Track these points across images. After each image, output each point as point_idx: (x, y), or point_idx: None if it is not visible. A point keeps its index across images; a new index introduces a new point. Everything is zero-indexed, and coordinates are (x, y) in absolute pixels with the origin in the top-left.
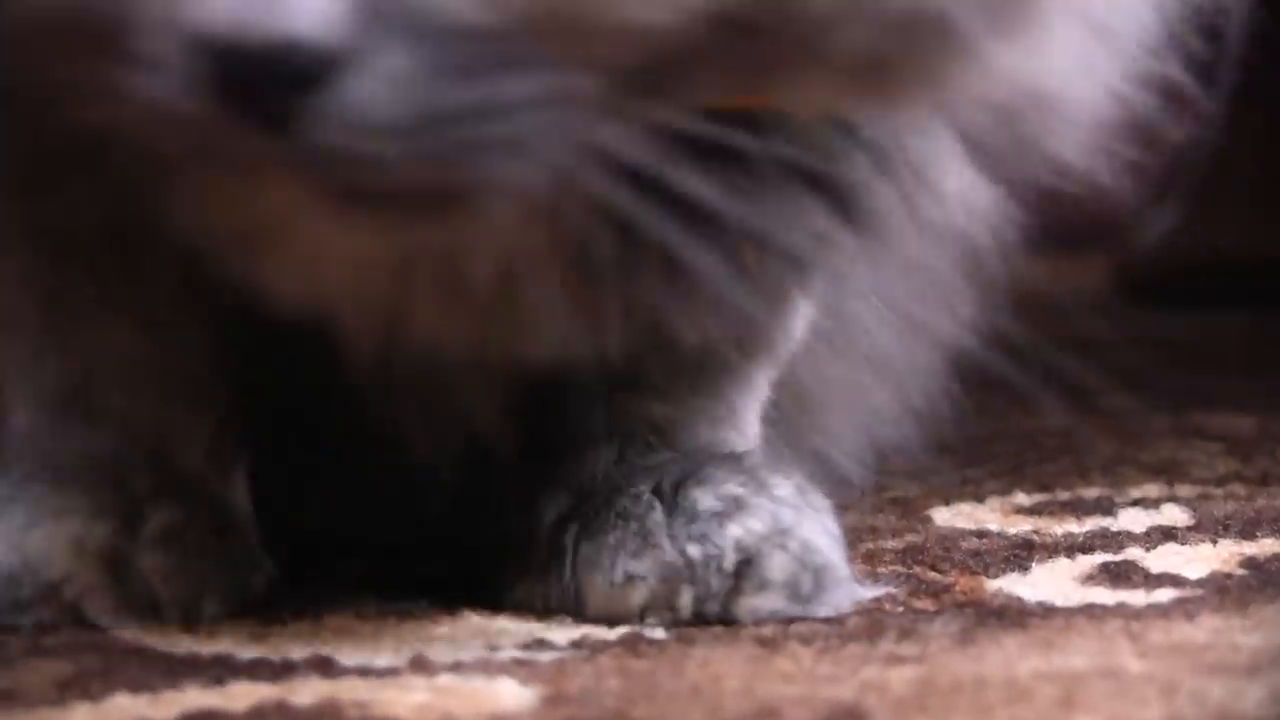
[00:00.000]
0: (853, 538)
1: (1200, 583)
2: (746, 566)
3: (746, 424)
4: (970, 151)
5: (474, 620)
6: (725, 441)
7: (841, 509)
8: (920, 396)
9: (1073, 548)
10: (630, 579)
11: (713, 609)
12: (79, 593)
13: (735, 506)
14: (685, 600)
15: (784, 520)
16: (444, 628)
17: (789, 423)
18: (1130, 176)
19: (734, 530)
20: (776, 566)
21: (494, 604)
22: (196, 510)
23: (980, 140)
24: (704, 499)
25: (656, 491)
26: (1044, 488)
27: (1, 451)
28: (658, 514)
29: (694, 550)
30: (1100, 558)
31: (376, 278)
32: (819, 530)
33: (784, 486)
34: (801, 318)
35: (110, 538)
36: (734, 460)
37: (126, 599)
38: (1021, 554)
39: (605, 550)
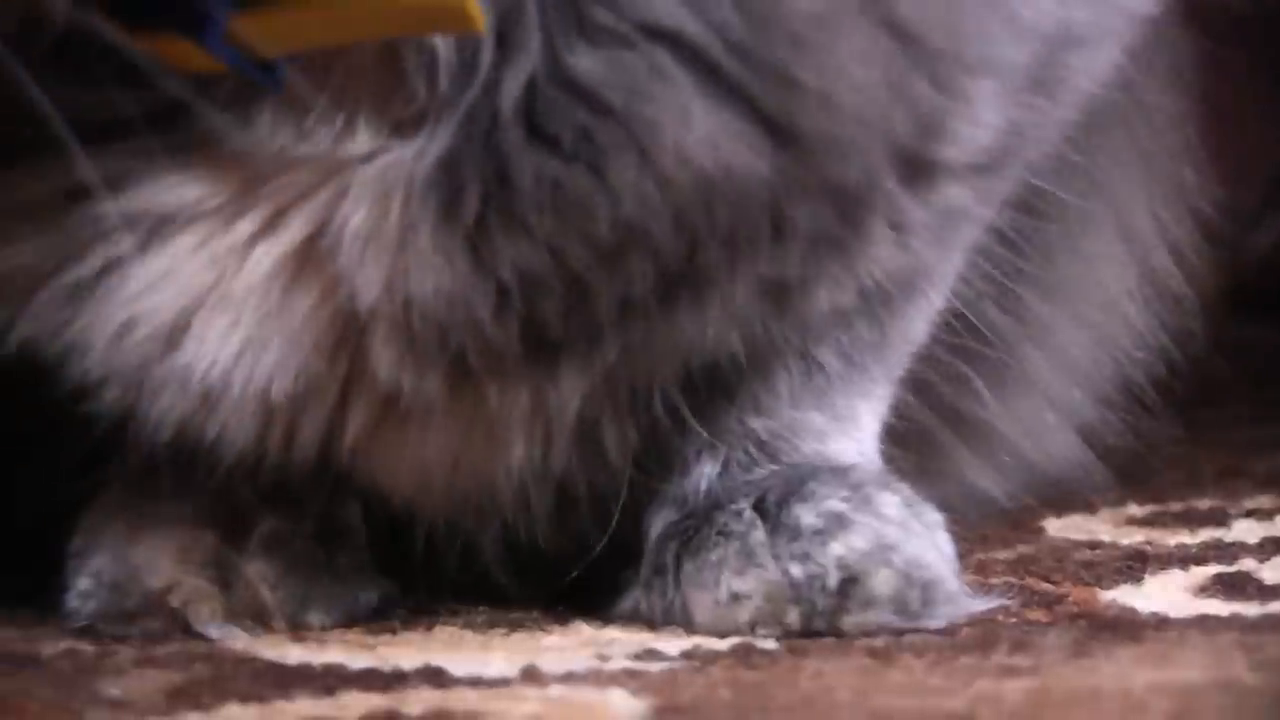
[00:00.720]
0: (964, 549)
1: None
2: (851, 584)
3: (860, 434)
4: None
5: (585, 630)
6: (834, 453)
7: (952, 520)
8: (1099, 408)
9: (1186, 559)
10: (736, 597)
11: (820, 625)
12: (184, 600)
13: (837, 524)
14: (792, 617)
15: (888, 537)
16: (554, 638)
17: (937, 442)
18: (1240, 184)
19: (836, 549)
20: (881, 583)
21: (604, 614)
22: (302, 520)
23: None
24: (806, 516)
25: (759, 508)
26: (1156, 498)
27: (108, 464)
28: (760, 533)
29: (796, 570)
30: (1214, 569)
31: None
32: (927, 545)
33: (891, 503)
34: (924, 321)
35: (216, 545)
36: (839, 474)
37: (232, 606)
38: (1134, 565)
39: (709, 568)
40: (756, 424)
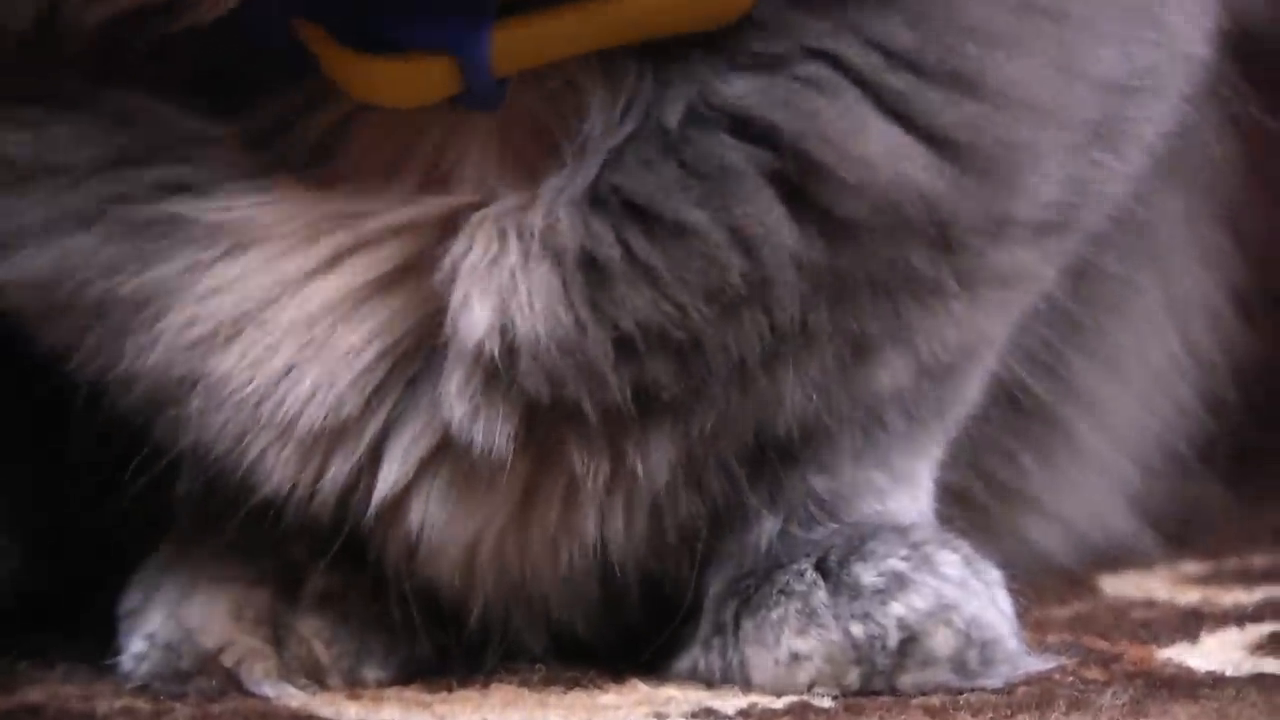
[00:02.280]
0: (1020, 606)
1: None
2: (910, 644)
3: (917, 491)
4: None
5: (641, 688)
6: (894, 511)
7: (1009, 577)
8: (1147, 476)
9: (1242, 617)
10: (797, 657)
11: (879, 684)
12: (238, 659)
13: (898, 584)
14: (852, 677)
15: (948, 596)
16: (610, 696)
17: (987, 510)
18: None
19: (897, 608)
20: (940, 643)
21: (661, 672)
22: (356, 576)
23: None
24: (866, 575)
25: (820, 567)
26: (1212, 556)
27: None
28: (822, 593)
29: (857, 629)
30: (1270, 627)
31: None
32: (986, 604)
33: (951, 562)
34: (979, 381)
35: (269, 604)
36: (899, 533)
37: (286, 664)
38: (1191, 623)
39: (769, 626)
40: (818, 482)
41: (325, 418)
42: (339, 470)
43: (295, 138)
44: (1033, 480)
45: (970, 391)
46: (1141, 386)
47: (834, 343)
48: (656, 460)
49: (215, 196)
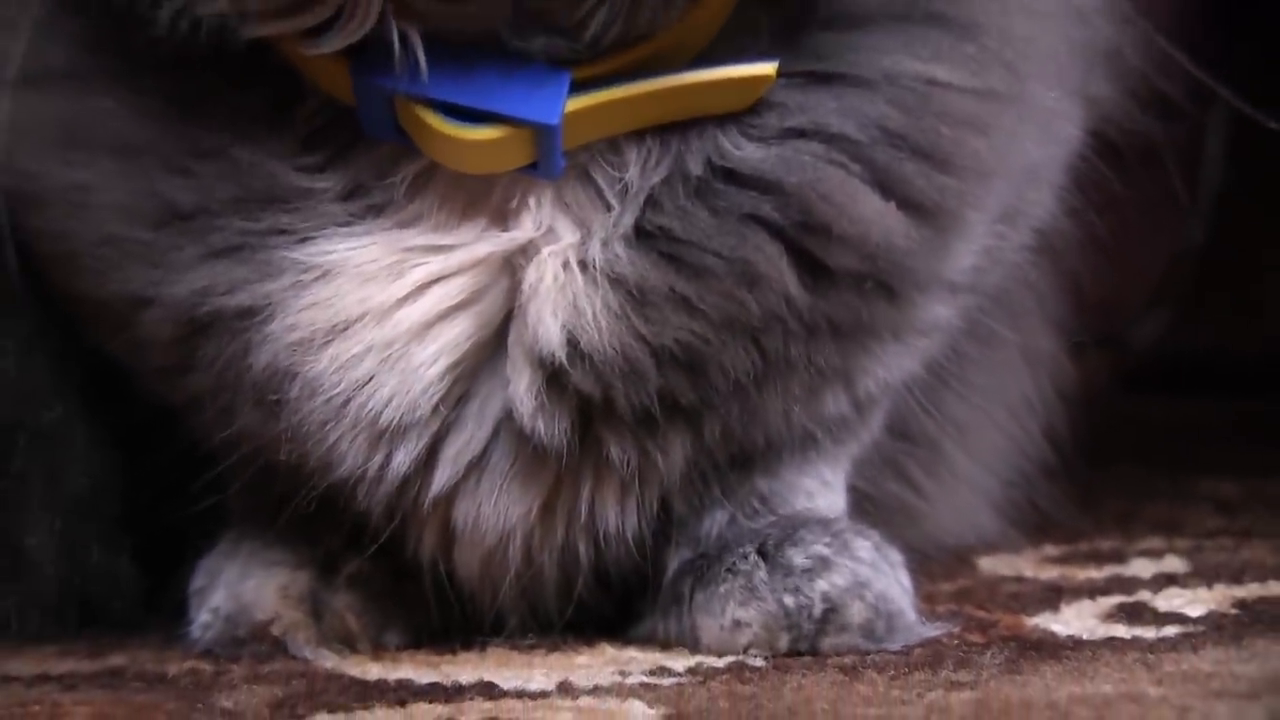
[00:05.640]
0: (913, 582)
1: (1200, 620)
2: (831, 613)
3: (837, 494)
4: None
5: (609, 651)
6: (820, 508)
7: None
8: (1005, 488)
9: (1094, 591)
10: (738, 624)
11: (803, 646)
12: (284, 629)
13: (823, 565)
14: (783, 641)
15: (862, 575)
16: (584, 657)
17: (883, 515)
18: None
19: (821, 585)
20: (855, 613)
21: (624, 637)
22: (381, 561)
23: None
24: (797, 557)
25: (760, 552)
26: (1068, 540)
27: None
28: (762, 572)
29: (789, 600)
30: (1117, 599)
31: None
32: (892, 582)
33: (864, 548)
34: (883, 414)
35: (310, 584)
36: (823, 524)
37: (324, 633)
38: (1053, 596)
39: (717, 599)
40: (763, 484)
41: (401, 417)
42: (403, 460)
43: (385, 187)
44: (920, 493)
45: (878, 422)
46: (1001, 419)
47: (806, 372)
48: (674, 457)
49: (316, 242)
